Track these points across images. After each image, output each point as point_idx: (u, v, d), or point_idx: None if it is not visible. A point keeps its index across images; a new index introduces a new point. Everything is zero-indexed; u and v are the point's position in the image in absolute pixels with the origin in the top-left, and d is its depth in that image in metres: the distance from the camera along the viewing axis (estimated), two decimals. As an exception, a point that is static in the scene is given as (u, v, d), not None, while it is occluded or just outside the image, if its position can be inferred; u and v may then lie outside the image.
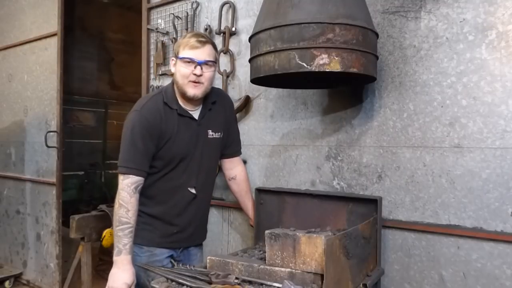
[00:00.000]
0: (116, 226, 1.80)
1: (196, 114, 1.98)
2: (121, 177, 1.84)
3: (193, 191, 2.00)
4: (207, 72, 1.87)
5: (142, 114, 1.86)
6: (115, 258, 1.79)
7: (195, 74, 1.84)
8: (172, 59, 1.94)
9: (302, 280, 1.48)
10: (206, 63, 1.85)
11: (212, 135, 2.03)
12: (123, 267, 1.78)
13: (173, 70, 1.93)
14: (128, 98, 5.89)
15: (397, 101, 1.93)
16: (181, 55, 1.86)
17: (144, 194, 1.92)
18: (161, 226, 1.99)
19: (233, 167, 2.23)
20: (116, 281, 1.76)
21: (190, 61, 1.84)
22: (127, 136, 1.86)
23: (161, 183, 1.95)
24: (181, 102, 1.94)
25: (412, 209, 1.89)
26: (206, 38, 1.90)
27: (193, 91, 1.87)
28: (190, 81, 1.85)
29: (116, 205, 1.82)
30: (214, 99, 2.04)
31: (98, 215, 2.92)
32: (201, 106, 2.00)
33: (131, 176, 1.82)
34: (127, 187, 1.81)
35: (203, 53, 1.85)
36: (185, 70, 1.85)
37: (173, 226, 2.00)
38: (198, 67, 1.83)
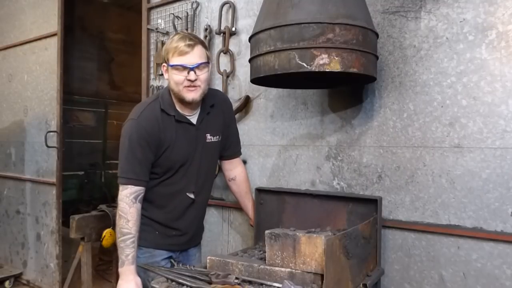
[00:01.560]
0: (118, 238, 1.80)
1: (194, 119, 1.94)
2: (120, 188, 1.82)
3: (192, 196, 1.99)
4: (202, 74, 1.81)
5: (140, 123, 1.83)
6: (119, 269, 1.78)
7: (189, 80, 1.78)
8: (163, 65, 1.88)
9: (302, 280, 1.48)
10: (198, 66, 1.79)
11: (211, 139, 2.00)
12: (126, 277, 1.77)
13: (166, 76, 1.88)
14: (128, 98, 5.89)
15: (397, 101, 1.93)
16: (171, 62, 1.80)
17: (143, 198, 1.92)
18: (161, 229, 1.99)
19: (232, 168, 2.22)
20: None
21: (182, 67, 1.78)
22: (125, 146, 1.83)
23: (160, 188, 1.94)
24: (178, 107, 1.90)
25: (412, 209, 1.89)
26: (193, 40, 1.81)
27: (191, 95, 1.82)
28: (185, 86, 1.80)
29: (117, 217, 1.82)
30: (212, 102, 1.99)
31: (98, 215, 2.92)
32: (199, 110, 1.96)
33: (129, 186, 1.80)
34: (126, 197, 1.79)
35: (194, 56, 1.78)
36: (179, 77, 1.79)
37: (172, 229, 2.01)
38: (191, 72, 1.77)
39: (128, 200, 1.79)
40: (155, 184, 1.93)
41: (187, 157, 1.93)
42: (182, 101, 1.86)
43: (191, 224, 2.06)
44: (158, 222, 1.98)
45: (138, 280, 1.79)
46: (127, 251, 1.77)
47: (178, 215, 2.00)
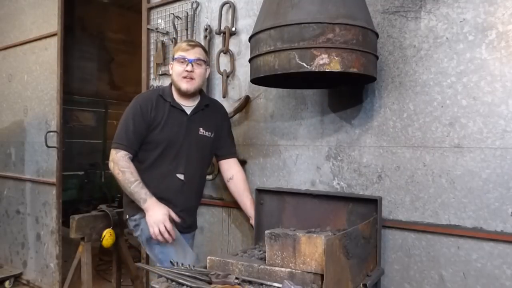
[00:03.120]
0: (129, 187, 2.05)
1: (188, 110, 2.22)
2: (113, 152, 2.11)
3: (182, 177, 2.18)
4: (198, 69, 2.16)
5: (137, 101, 2.19)
6: (145, 206, 2.03)
7: (187, 71, 2.13)
8: (170, 63, 2.25)
9: (302, 280, 1.48)
10: (196, 61, 2.15)
11: (203, 132, 2.24)
12: (155, 206, 2.03)
13: (171, 72, 2.23)
14: (128, 98, 5.83)
15: (397, 101, 1.93)
16: (175, 56, 2.17)
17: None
18: None
19: (229, 168, 2.32)
20: (156, 215, 2.01)
21: (183, 59, 2.14)
22: (123, 118, 2.17)
23: (152, 169, 2.15)
24: (175, 97, 2.21)
25: (412, 209, 1.89)
26: (196, 42, 2.24)
27: (186, 85, 2.15)
28: (183, 77, 2.14)
29: (119, 174, 2.06)
30: (207, 103, 2.29)
31: (98, 215, 2.92)
32: (194, 106, 2.24)
33: (122, 150, 2.09)
34: (122, 157, 2.08)
35: (193, 53, 2.15)
36: (179, 68, 2.15)
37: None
38: (189, 64, 2.13)
39: (125, 159, 2.09)
40: (147, 165, 2.15)
41: (175, 139, 2.16)
42: (179, 91, 2.18)
43: (183, 209, 2.19)
44: None
45: (165, 206, 2.05)
46: (143, 191, 2.04)
47: (170, 197, 2.15)
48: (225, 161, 2.33)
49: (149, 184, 2.09)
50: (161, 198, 2.09)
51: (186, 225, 2.24)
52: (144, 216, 2.07)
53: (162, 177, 2.16)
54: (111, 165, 2.10)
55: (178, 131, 2.17)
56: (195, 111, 2.23)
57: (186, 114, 2.20)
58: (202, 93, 2.32)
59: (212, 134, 2.27)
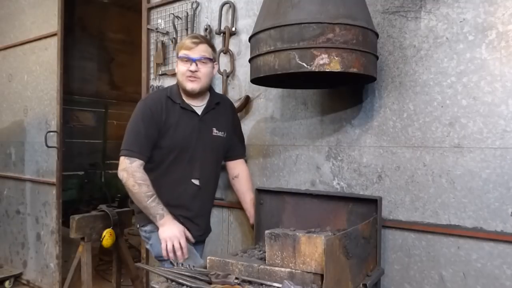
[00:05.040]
0: (146, 201, 1.95)
1: (199, 111, 2.12)
2: (127, 161, 1.97)
3: (197, 182, 2.10)
4: (203, 68, 2.04)
5: (146, 103, 2.08)
6: (161, 221, 1.96)
7: (190, 71, 2.02)
8: (176, 61, 2.12)
9: (302, 280, 1.48)
10: (200, 60, 2.03)
11: (217, 133, 2.16)
12: (171, 222, 1.97)
13: (176, 70, 2.11)
14: (128, 98, 5.89)
15: (397, 101, 1.93)
16: (179, 55, 2.07)
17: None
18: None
19: (235, 167, 2.31)
20: (172, 230, 1.94)
21: (186, 59, 2.03)
22: (131, 122, 2.05)
23: (166, 176, 2.06)
24: (184, 98, 2.10)
25: (412, 209, 1.89)
26: (200, 38, 2.09)
27: (191, 85, 2.04)
28: (187, 76, 2.03)
29: (135, 186, 1.94)
30: (217, 101, 2.19)
31: (98, 215, 2.92)
32: (205, 105, 2.14)
33: (137, 159, 1.97)
34: (138, 168, 1.97)
35: (198, 51, 2.03)
36: (183, 67, 2.04)
37: (182, 218, 2.06)
38: (193, 64, 2.02)
39: (141, 169, 1.98)
40: (160, 172, 2.05)
41: (188, 142, 2.07)
42: (185, 91, 2.08)
43: (199, 213, 2.13)
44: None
45: (180, 225, 1.99)
46: (160, 206, 1.96)
47: (185, 203, 2.08)
48: (233, 161, 2.31)
49: (163, 191, 2.01)
50: (176, 205, 2.04)
51: (201, 232, 2.19)
52: (156, 230, 2.00)
53: (177, 183, 2.07)
54: (123, 174, 1.96)
55: (190, 134, 2.07)
56: (206, 111, 2.13)
57: (197, 115, 2.10)
58: (212, 91, 2.22)
59: (225, 134, 2.19)
